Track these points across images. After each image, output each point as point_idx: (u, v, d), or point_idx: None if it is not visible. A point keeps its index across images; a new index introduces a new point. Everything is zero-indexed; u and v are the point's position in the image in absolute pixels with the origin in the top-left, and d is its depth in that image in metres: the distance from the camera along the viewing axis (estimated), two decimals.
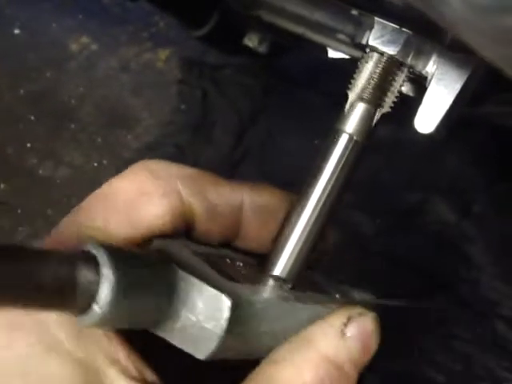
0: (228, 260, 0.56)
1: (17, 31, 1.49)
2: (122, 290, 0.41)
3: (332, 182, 0.55)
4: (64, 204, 1.28)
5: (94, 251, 0.41)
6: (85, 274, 0.40)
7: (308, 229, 0.56)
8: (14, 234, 1.26)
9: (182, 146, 1.30)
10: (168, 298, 0.46)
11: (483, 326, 1.09)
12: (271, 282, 0.55)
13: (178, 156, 1.28)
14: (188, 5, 0.86)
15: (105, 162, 1.33)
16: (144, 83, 1.40)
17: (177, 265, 0.47)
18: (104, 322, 0.41)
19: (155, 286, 0.45)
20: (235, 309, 0.45)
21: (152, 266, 0.46)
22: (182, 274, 0.46)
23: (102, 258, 0.41)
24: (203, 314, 0.45)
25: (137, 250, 0.49)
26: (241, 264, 0.56)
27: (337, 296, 0.60)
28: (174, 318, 0.46)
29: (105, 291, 0.40)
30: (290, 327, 0.52)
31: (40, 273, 0.37)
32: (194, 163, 1.27)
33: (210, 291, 0.46)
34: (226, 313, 0.45)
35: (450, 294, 1.12)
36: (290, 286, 0.55)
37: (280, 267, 0.56)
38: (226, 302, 0.45)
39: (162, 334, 0.47)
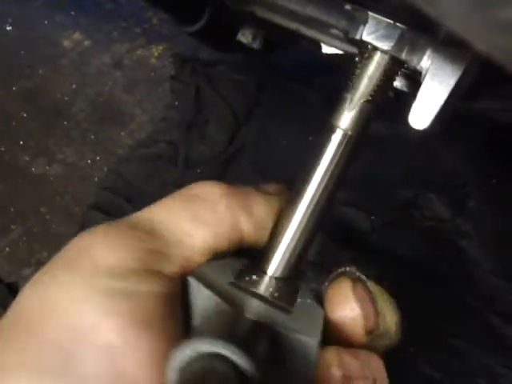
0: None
1: (9, 28, 1.48)
2: None
3: (326, 179, 0.54)
4: (57, 202, 1.27)
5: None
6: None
7: (302, 226, 0.55)
8: (7, 232, 1.25)
9: (175, 143, 1.29)
10: None
11: (479, 322, 1.08)
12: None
13: (171, 153, 1.28)
14: (180, 1, 0.85)
15: (98, 158, 1.32)
16: (137, 79, 1.40)
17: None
18: None
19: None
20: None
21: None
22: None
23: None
24: None
25: None
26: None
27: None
28: None
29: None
30: None
31: None
32: (186, 160, 1.26)
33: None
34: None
35: (445, 289, 1.11)
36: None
37: (274, 266, 0.55)
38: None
39: None
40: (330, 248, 1.13)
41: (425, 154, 1.21)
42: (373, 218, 1.18)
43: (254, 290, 0.52)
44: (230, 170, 1.25)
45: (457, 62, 0.48)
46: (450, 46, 0.48)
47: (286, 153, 1.24)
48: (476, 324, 1.08)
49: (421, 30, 0.50)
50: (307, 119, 1.19)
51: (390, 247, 1.15)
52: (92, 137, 1.35)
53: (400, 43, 0.50)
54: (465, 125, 1.14)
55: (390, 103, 0.56)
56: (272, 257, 0.55)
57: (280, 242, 0.56)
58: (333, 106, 0.54)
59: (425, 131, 0.50)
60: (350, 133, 0.52)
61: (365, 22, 0.52)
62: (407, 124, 0.53)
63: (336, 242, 1.14)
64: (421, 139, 1.12)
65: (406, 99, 0.55)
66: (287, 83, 1.30)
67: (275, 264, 0.55)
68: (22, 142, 1.35)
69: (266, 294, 0.52)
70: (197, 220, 0.52)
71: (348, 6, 0.57)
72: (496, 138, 1.17)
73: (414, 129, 0.51)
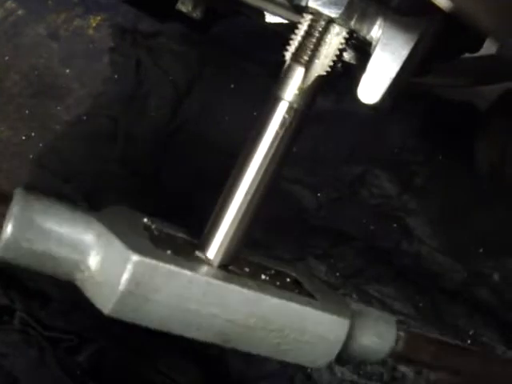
0: (181, 237, 0.56)
1: None
2: (27, 226, 0.44)
3: (270, 154, 0.52)
4: None
5: (15, 193, 0.46)
6: None
7: (245, 204, 0.52)
8: None
9: (115, 118, 1.25)
10: (81, 247, 0.47)
11: (425, 299, 1.09)
12: (201, 260, 0.52)
13: (111, 128, 1.23)
14: None
15: (33, 134, 1.27)
16: (74, 52, 1.34)
17: (102, 222, 0.48)
18: (9, 254, 0.45)
19: (70, 232, 0.47)
20: (140, 267, 0.46)
21: (74, 216, 0.47)
22: (100, 228, 0.47)
23: (17, 196, 0.45)
24: (110, 268, 0.46)
25: (66, 201, 0.51)
26: (186, 240, 0.56)
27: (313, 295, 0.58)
28: (85, 268, 0.47)
29: (8, 224, 0.44)
30: (212, 305, 0.50)
31: None
32: (127, 135, 1.22)
33: (119, 246, 0.46)
34: (129, 267, 0.45)
35: (392, 267, 1.11)
36: (218, 265, 0.53)
37: (214, 247, 0.52)
38: (131, 258, 0.45)
39: (79, 284, 0.48)
40: (276, 226, 1.12)
41: (372, 130, 1.20)
42: (319, 195, 1.16)
43: None
44: (172, 146, 1.21)
45: (410, 32, 0.44)
46: (403, 14, 0.45)
47: (228, 128, 1.21)
48: (422, 302, 1.08)
49: None
50: (250, 93, 1.17)
51: (336, 224, 1.14)
52: (27, 112, 1.29)
53: (349, 11, 0.47)
54: (412, 101, 1.13)
55: (338, 78, 0.53)
56: (211, 237, 0.53)
57: (221, 222, 0.53)
58: (277, 78, 0.51)
59: (375, 106, 0.47)
60: (295, 105, 0.50)
61: None
62: (355, 99, 0.50)
63: (283, 219, 1.13)
64: (368, 115, 1.11)
65: (354, 74, 0.52)
66: (230, 56, 1.27)
67: (215, 246, 0.53)
68: None
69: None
70: None
71: None
72: (443, 115, 1.17)
73: (363, 104, 0.48)
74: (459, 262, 1.11)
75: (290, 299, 0.53)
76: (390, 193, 1.16)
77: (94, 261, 0.46)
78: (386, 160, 1.18)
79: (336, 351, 0.53)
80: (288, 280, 0.59)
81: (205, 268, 0.51)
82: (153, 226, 0.54)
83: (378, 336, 0.56)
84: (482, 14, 0.24)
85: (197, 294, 0.49)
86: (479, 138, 1.09)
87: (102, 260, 0.46)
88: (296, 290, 0.57)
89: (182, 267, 0.49)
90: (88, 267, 0.47)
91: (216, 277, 0.50)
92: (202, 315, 0.49)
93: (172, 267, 0.48)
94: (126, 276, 0.45)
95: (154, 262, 0.47)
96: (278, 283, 0.56)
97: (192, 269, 0.49)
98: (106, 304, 0.46)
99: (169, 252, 0.50)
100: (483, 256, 1.11)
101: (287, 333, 0.53)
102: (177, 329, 0.50)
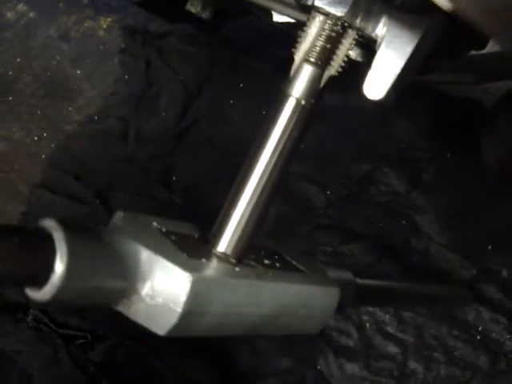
0: (194, 235, 0.56)
1: None
2: (77, 263, 0.41)
3: (279, 150, 0.52)
4: (2, 180, 1.23)
5: (48, 226, 0.41)
6: (40, 249, 0.40)
7: (254, 200, 0.53)
8: None
9: (125, 118, 1.26)
10: (126, 273, 0.45)
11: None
12: (218, 258, 0.53)
13: (122, 128, 1.25)
14: None
15: (45, 135, 1.28)
16: (85, 53, 1.35)
17: (136, 240, 0.46)
18: (60, 296, 0.41)
19: (112, 260, 0.45)
20: (196, 286, 0.45)
21: (109, 241, 0.46)
22: (142, 249, 0.46)
23: (57, 233, 0.41)
24: (164, 291, 0.45)
25: (92, 225, 0.48)
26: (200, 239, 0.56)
27: (304, 271, 0.59)
28: (133, 294, 0.46)
29: (60, 265, 0.40)
30: (251, 304, 0.51)
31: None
32: (137, 135, 1.23)
33: (171, 267, 0.45)
34: (186, 288, 0.45)
35: (400, 264, 1.11)
36: (235, 261, 0.53)
37: (231, 243, 0.53)
38: (187, 278, 0.45)
39: (123, 310, 0.47)
40: (285, 223, 1.12)
41: (379, 127, 1.20)
42: (328, 192, 1.17)
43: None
44: (182, 146, 1.22)
45: (414, 29, 0.45)
46: (407, 12, 0.46)
47: (238, 127, 1.22)
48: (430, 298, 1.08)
49: None
50: (259, 92, 1.17)
51: (345, 221, 1.15)
52: (39, 112, 1.31)
53: (354, 9, 0.48)
54: (419, 98, 1.13)
55: (345, 75, 0.54)
56: (222, 233, 0.53)
57: (230, 217, 0.54)
58: (285, 76, 0.52)
59: (380, 102, 0.48)
60: (303, 101, 0.50)
61: None
62: (362, 97, 0.51)
63: (292, 217, 1.14)
64: (376, 113, 1.12)
65: (361, 71, 0.53)
66: (239, 55, 1.28)
67: (225, 241, 0.53)
68: None
69: None
70: None
71: None
72: (450, 112, 1.17)
73: (369, 100, 0.49)
74: (468, 259, 1.10)
75: (302, 282, 0.55)
76: (398, 190, 1.16)
77: (142, 285, 0.45)
78: (394, 157, 1.18)
79: (331, 317, 0.58)
80: (277, 257, 0.60)
81: (239, 270, 0.52)
82: (163, 230, 0.53)
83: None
84: (482, 19, 0.25)
85: (240, 297, 0.50)
86: (486, 135, 1.09)
87: (152, 283, 0.45)
88: (290, 267, 0.59)
89: (226, 275, 0.50)
90: (137, 292, 0.45)
91: (251, 277, 0.52)
92: (241, 315, 0.51)
93: (221, 278, 0.49)
94: (184, 297, 0.45)
95: (206, 277, 0.47)
96: (278, 265, 0.58)
97: (234, 275, 0.51)
98: (163, 327, 0.46)
99: (203, 260, 0.51)
100: (492, 252, 1.11)
101: (299, 312, 0.55)
102: (218, 332, 0.51)
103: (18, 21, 1.41)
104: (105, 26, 1.37)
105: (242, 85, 1.26)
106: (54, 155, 1.24)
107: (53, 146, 1.26)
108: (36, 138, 1.28)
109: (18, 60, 1.36)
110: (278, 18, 0.62)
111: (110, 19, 1.38)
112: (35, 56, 1.36)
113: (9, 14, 1.41)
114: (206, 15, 0.83)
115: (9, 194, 1.21)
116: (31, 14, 1.41)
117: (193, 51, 1.29)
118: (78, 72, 1.34)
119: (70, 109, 1.30)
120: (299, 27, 0.53)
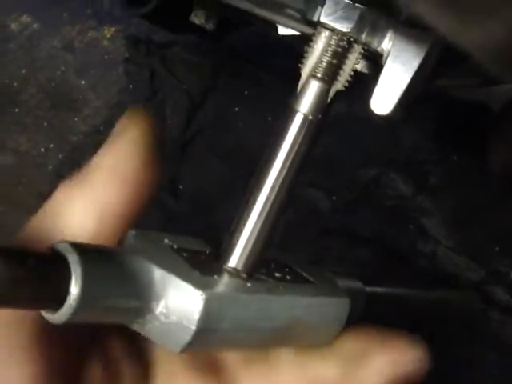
0: (205, 251, 0.55)
1: None
2: (92, 285, 0.41)
3: (287, 166, 0.53)
4: (10, 193, 1.24)
5: (62, 249, 0.42)
6: (55, 273, 0.40)
7: (264, 214, 0.54)
8: None
9: None
10: (140, 293, 0.45)
11: None
12: (229, 274, 0.53)
13: None
14: None
15: (52, 146, 1.29)
16: (89, 63, 1.36)
17: (149, 259, 0.46)
18: (76, 318, 0.41)
19: (126, 280, 0.45)
20: (209, 303, 0.45)
21: (121, 261, 0.45)
22: (155, 269, 0.46)
23: (72, 255, 0.41)
24: (177, 309, 0.45)
25: (105, 246, 0.48)
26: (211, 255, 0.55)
27: (314, 282, 0.59)
28: (147, 312, 0.46)
29: (75, 288, 0.40)
30: (263, 318, 0.51)
31: (15, 272, 0.38)
32: None
33: (183, 286, 0.45)
34: (200, 306, 0.45)
35: (407, 268, 1.11)
36: (246, 276, 0.53)
37: (241, 258, 0.54)
38: (200, 296, 0.45)
39: (137, 328, 0.47)
40: (291, 228, 1.12)
41: (385, 131, 1.20)
42: (334, 198, 1.17)
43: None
44: (187, 155, 1.22)
45: (420, 44, 0.46)
46: (413, 27, 0.46)
47: (243, 135, 1.22)
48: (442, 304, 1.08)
49: (381, 9, 0.48)
50: (264, 101, 1.18)
51: (351, 227, 1.15)
52: (45, 124, 1.31)
53: (360, 25, 0.48)
54: (425, 102, 1.13)
55: (350, 84, 0.54)
56: (232, 248, 0.54)
57: (242, 232, 0.54)
58: (290, 87, 0.52)
59: (387, 117, 0.48)
60: (310, 116, 0.51)
61: (322, 3, 0.49)
62: (367, 102, 0.51)
63: (298, 222, 1.14)
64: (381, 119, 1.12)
65: (366, 79, 0.53)
66: (243, 65, 1.28)
67: (236, 256, 0.53)
68: None
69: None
70: None
71: None
72: (456, 115, 1.17)
73: (376, 115, 0.49)
74: (475, 262, 1.11)
75: (312, 294, 0.55)
76: (404, 194, 1.16)
77: (157, 304, 0.46)
78: (401, 162, 1.18)
79: (343, 326, 0.56)
80: (287, 270, 0.60)
81: (250, 285, 0.52)
82: (175, 246, 0.53)
83: None
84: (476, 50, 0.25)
85: (252, 312, 0.50)
86: (492, 138, 1.09)
87: (166, 302, 0.46)
88: (301, 279, 0.59)
89: (238, 290, 0.50)
90: (151, 311, 0.46)
91: (262, 291, 0.52)
92: (253, 330, 0.51)
93: (233, 294, 0.49)
94: (198, 314, 0.45)
95: (218, 294, 0.47)
96: (288, 277, 0.58)
97: (245, 290, 0.51)
98: (178, 344, 0.45)
99: (215, 276, 0.51)
100: (499, 255, 1.11)
101: (310, 324, 0.55)
102: (230, 346, 0.52)
103: (21, 32, 1.41)
104: (108, 36, 1.38)
105: (246, 92, 1.26)
106: (61, 166, 1.25)
107: (60, 156, 1.27)
108: (43, 150, 1.29)
109: (23, 71, 1.36)
110: (283, 31, 0.62)
111: (113, 29, 1.38)
112: (40, 67, 1.37)
113: (13, 26, 1.41)
114: (209, 26, 0.84)
115: (17, 207, 1.22)
116: (35, 25, 1.41)
117: (197, 60, 1.29)
118: (83, 82, 1.34)
119: (75, 119, 1.31)
120: (304, 40, 0.54)
